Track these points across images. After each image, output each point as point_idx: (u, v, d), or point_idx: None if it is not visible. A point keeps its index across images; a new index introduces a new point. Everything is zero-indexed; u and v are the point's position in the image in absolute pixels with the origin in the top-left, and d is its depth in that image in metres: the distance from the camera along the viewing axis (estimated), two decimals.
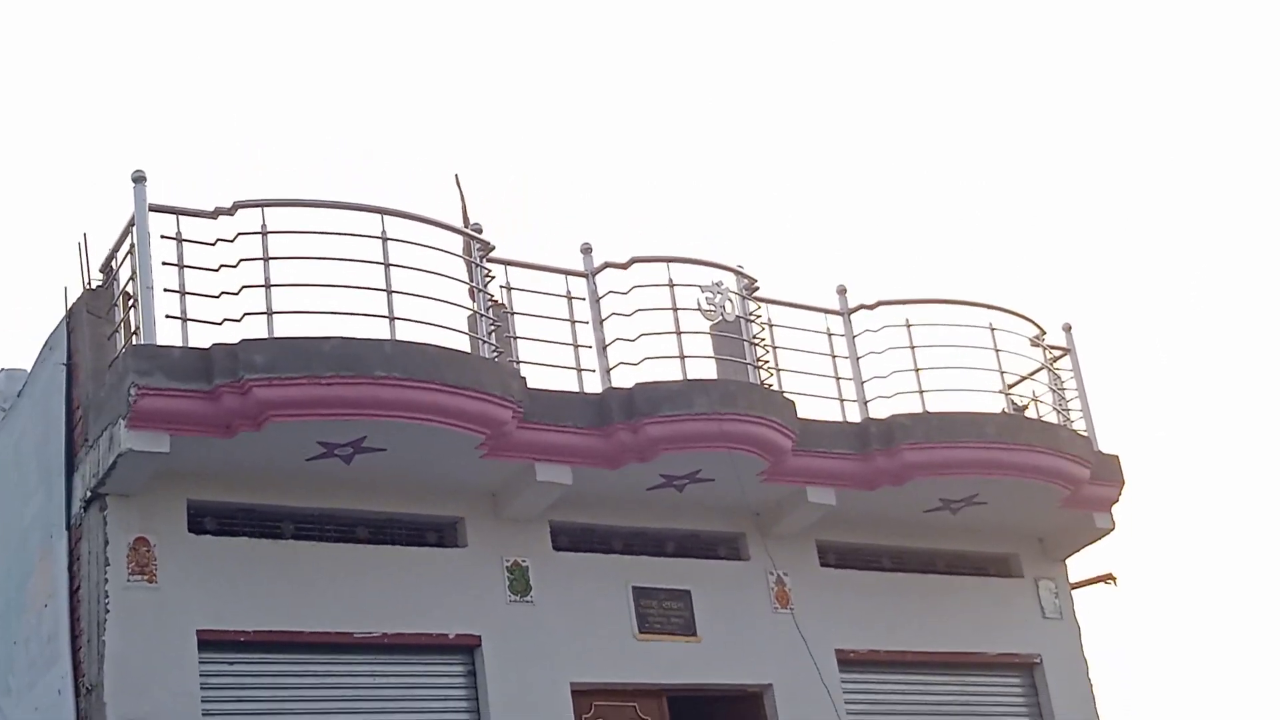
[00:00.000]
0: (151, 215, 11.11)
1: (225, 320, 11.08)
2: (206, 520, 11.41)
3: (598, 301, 12.73)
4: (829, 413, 13.50)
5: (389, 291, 11.43)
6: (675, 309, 12.84)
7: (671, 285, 12.88)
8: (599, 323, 12.68)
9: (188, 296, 11.10)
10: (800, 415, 13.03)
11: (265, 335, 11.02)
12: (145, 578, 10.97)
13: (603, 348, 12.62)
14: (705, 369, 12.99)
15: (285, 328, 11.11)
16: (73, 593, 11.27)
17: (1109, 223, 35.81)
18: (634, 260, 12.87)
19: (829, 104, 36.64)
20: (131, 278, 11.25)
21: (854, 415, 13.57)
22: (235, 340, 10.93)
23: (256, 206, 11.28)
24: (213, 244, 11.20)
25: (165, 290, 11.01)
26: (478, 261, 12.17)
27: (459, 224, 12.60)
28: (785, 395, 13.09)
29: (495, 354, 11.94)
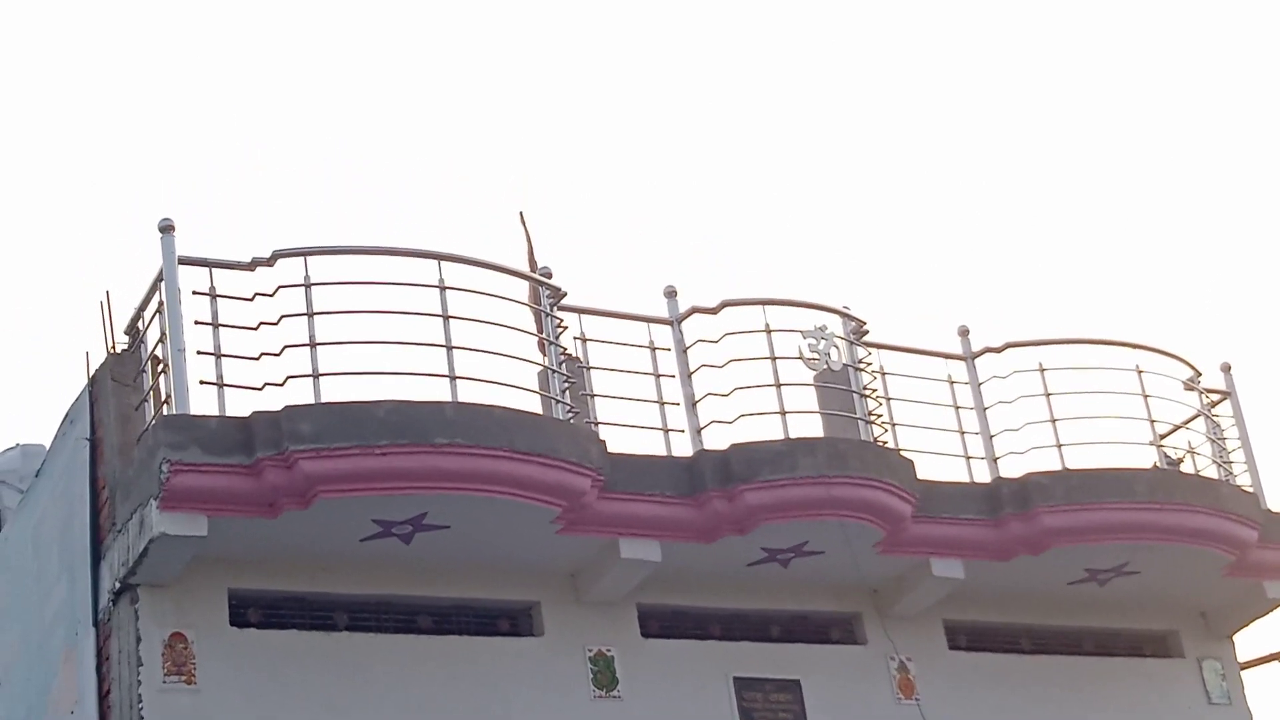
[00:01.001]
0: (181, 269, 11.22)
1: (266, 385, 11.17)
2: (250, 612, 11.48)
3: (685, 352, 12.78)
4: (954, 473, 13.50)
5: (449, 347, 11.50)
6: (774, 358, 12.86)
7: (769, 331, 12.92)
8: (687, 376, 12.72)
9: (224, 359, 11.19)
10: (920, 476, 13.03)
11: (311, 401, 11.11)
12: (183, 679, 11.03)
13: (692, 404, 12.66)
14: (810, 426, 12.99)
15: (333, 392, 11.20)
16: (102, 697, 11.36)
17: (1272, 249, 35.48)
18: (725, 304, 12.92)
19: (945, 123, 36.61)
20: (161, 340, 11.36)
21: (982, 475, 13.55)
22: (278, 407, 11.01)
23: (298, 255, 11.40)
24: (250, 299, 11.32)
25: (199, 353, 11.11)
26: (548, 310, 12.24)
27: (525, 268, 12.68)
28: (902, 454, 13.09)
29: (571, 415, 12.00)
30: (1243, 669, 15.17)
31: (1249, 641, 15.17)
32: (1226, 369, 15.06)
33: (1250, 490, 14.40)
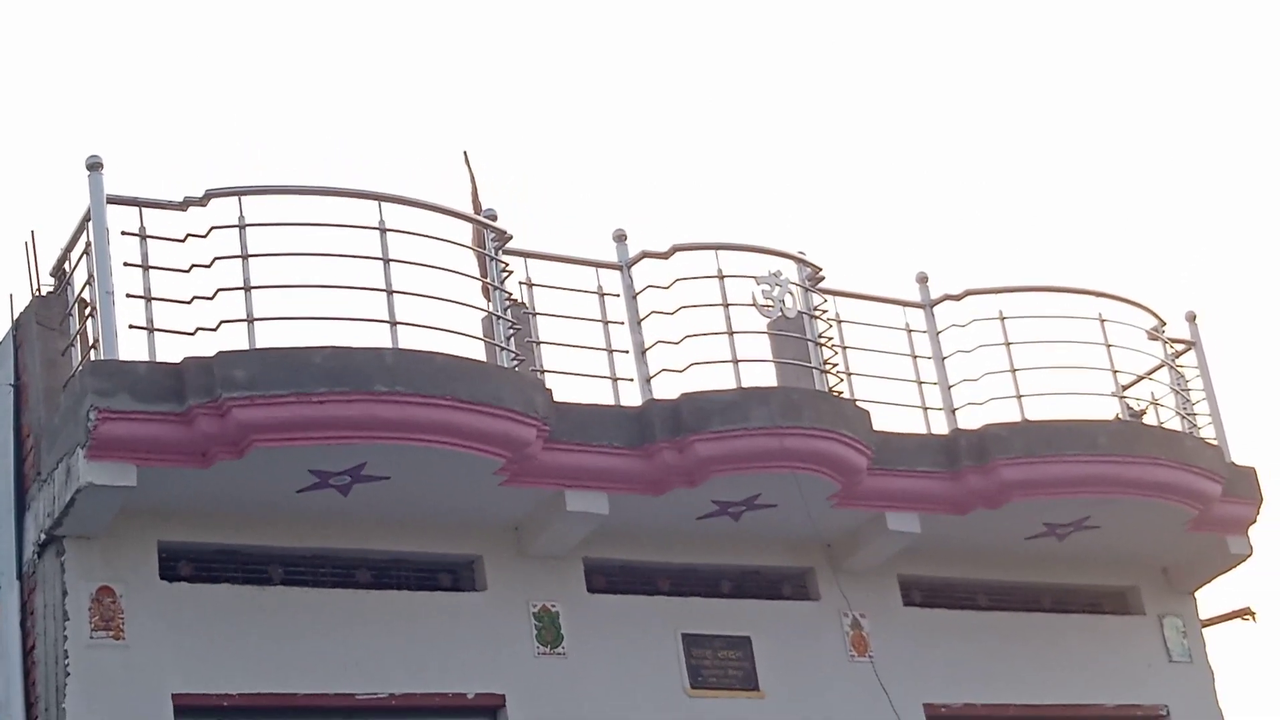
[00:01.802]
0: (110, 208, 11.15)
1: (199, 330, 11.14)
2: (181, 565, 11.47)
3: (634, 298, 12.79)
4: (911, 424, 13.56)
5: (389, 292, 11.49)
6: (726, 305, 12.88)
7: (721, 277, 12.93)
8: (636, 323, 12.73)
9: (154, 303, 11.15)
10: (876, 427, 13.06)
11: (246, 346, 11.07)
12: (111, 633, 11.02)
13: (641, 352, 12.67)
14: (763, 375, 13.05)
15: (269, 337, 11.18)
16: (27, 653, 11.36)
17: (1239, 194, 35.66)
18: (676, 248, 12.92)
19: (904, 62, 36.62)
20: (88, 282, 11.29)
21: (940, 426, 13.60)
22: (211, 353, 10.98)
23: (232, 195, 11.35)
24: (182, 240, 11.27)
25: (128, 296, 11.07)
26: (492, 254, 12.23)
27: (469, 210, 12.65)
28: (858, 404, 13.12)
29: (516, 362, 12.00)
30: (1204, 626, 15.30)
31: (1211, 598, 15.32)
32: (1192, 318, 15.14)
33: (1214, 443, 14.50)
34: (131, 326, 11.03)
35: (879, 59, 36.48)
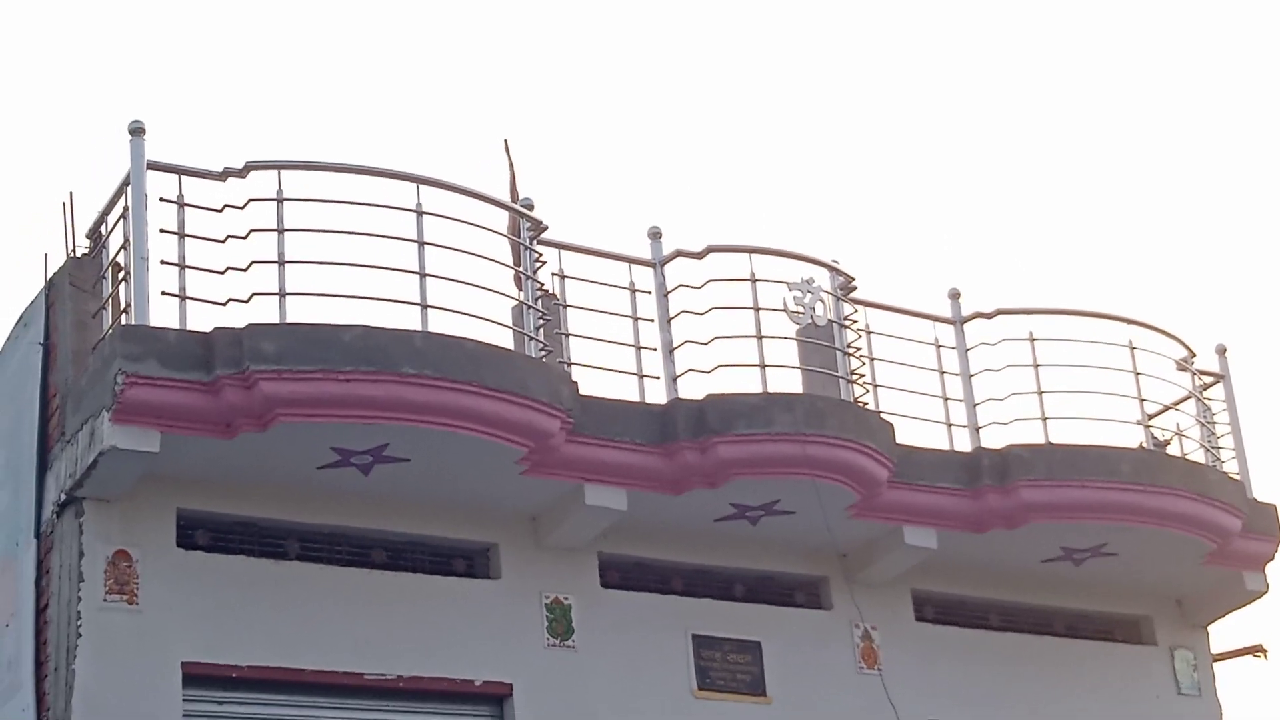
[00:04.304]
0: (150, 174, 11.21)
1: (230, 301, 11.18)
2: (198, 534, 11.51)
3: (666, 296, 12.79)
4: (934, 439, 13.55)
5: (422, 275, 11.51)
6: (757, 309, 12.89)
7: (754, 280, 12.94)
8: (666, 322, 12.73)
9: (188, 271, 11.18)
10: (899, 441, 13.07)
11: (276, 320, 11.12)
12: (125, 598, 11.06)
13: (669, 351, 12.68)
14: (790, 381, 13.06)
15: (300, 312, 11.22)
16: (40, 612, 11.39)
17: (1274, 234, 35.53)
18: (710, 249, 12.94)
19: (948, 75, 36.53)
20: (123, 246, 11.33)
21: (963, 443, 13.61)
22: (241, 325, 11.02)
23: (272, 169, 11.38)
24: (219, 210, 11.31)
25: (162, 263, 11.10)
26: (527, 243, 12.25)
27: (506, 198, 12.66)
28: (883, 416, 13.13)
29: (544, 353, 12.02)
30: (1215, 661, 15.25)
31: (1224, 633, 15.28)
32: (1222, 351, 15.11)
33: (1237, 478, 14.47)
34: (164, 293, 11.08)
35: (927, 75, 36.41)
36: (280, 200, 11.32)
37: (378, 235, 11.50)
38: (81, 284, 11.82)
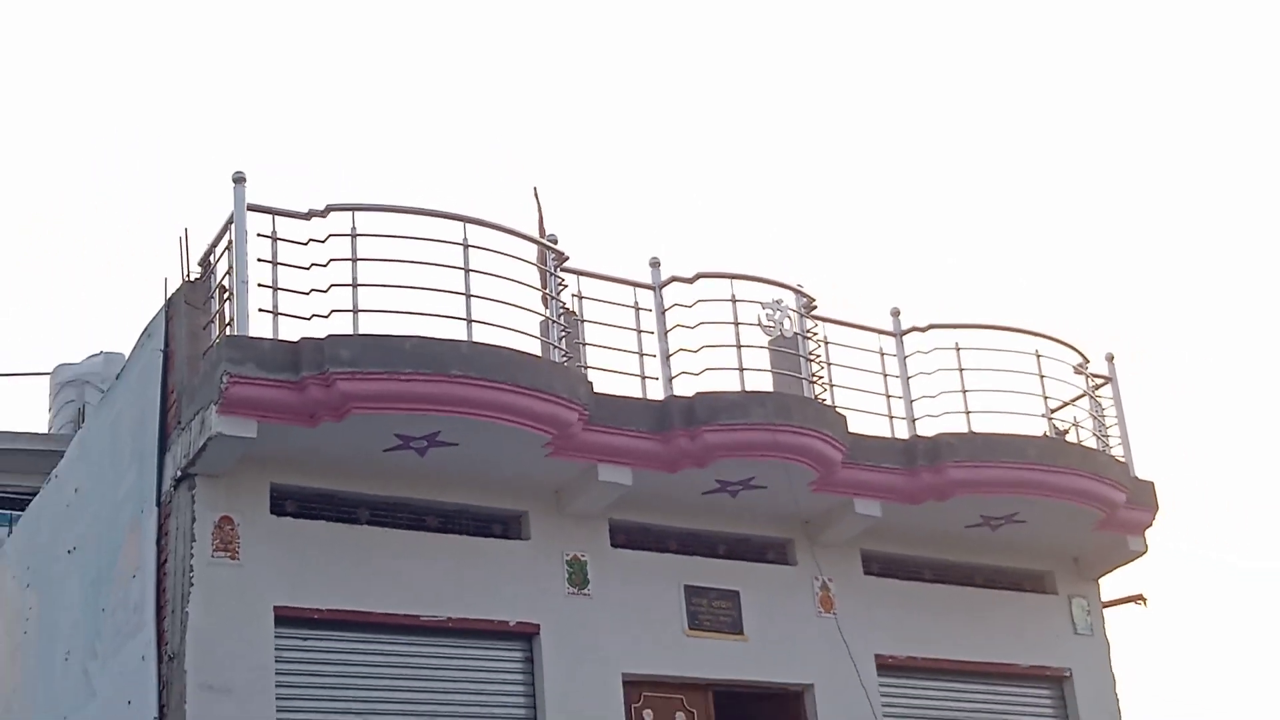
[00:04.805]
0: (249, 214, 11.23)
1: (313, 316, 11.17)
2: (287, 503, 11.50)
3: (663, 313, 12.76)
4: (878, 429, 13.47)
5: (467, 295, 11.50)
6: (736, 323, 12.86)
7: (734, 300, 12.90)
8: (663, 333, 12.71)
9: (279, 292, 11.19)
10: (851, 430, 13.02)
11: (350, 332, 11.10)
12: (228, 555, 11.08)
13: (666, 357, 12.65)
14: (762, 382, 12.95)
15: (369, 325, 11.20)
16: (159, 566, 11.39)
17: (1158, 257, 35.58)
18: (699, 275, 12.90)
19: (897, 140, 36.63)
20: (228, 272, 11.35)
21: (902, 432, 13.54)
22: (322, 335, 11.02)
23: (347, 210, 11.39)
24: (305, 243, 11.31)
25: (259, 285, 11.11)
26: (552, 270, 12.23)
27: (535, 234, 12.65)
28: (837, 410, 13.07)
29: (565, 359, 12.00)
30: (1105, 607, 15.21)
31: (1111, 585, 15.25)
32: (1110, 358, 15.07)
33: (1122, 460, 14.44)
34: (260, 310, 11.09)
35: (883, 135, 36.48)
36: (354, 235, 11.32)
37: (432, 263, 11.47)
38: (194, 303, 11.81)
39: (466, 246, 11.58)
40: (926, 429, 13.52)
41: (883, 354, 13.78)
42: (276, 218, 11.32)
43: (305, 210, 11.36)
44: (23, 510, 14.97)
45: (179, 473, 11.24)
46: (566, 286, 12.36)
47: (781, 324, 13.06)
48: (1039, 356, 14.07)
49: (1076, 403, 14.61)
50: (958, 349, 13.72)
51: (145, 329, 12.39)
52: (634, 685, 12.42)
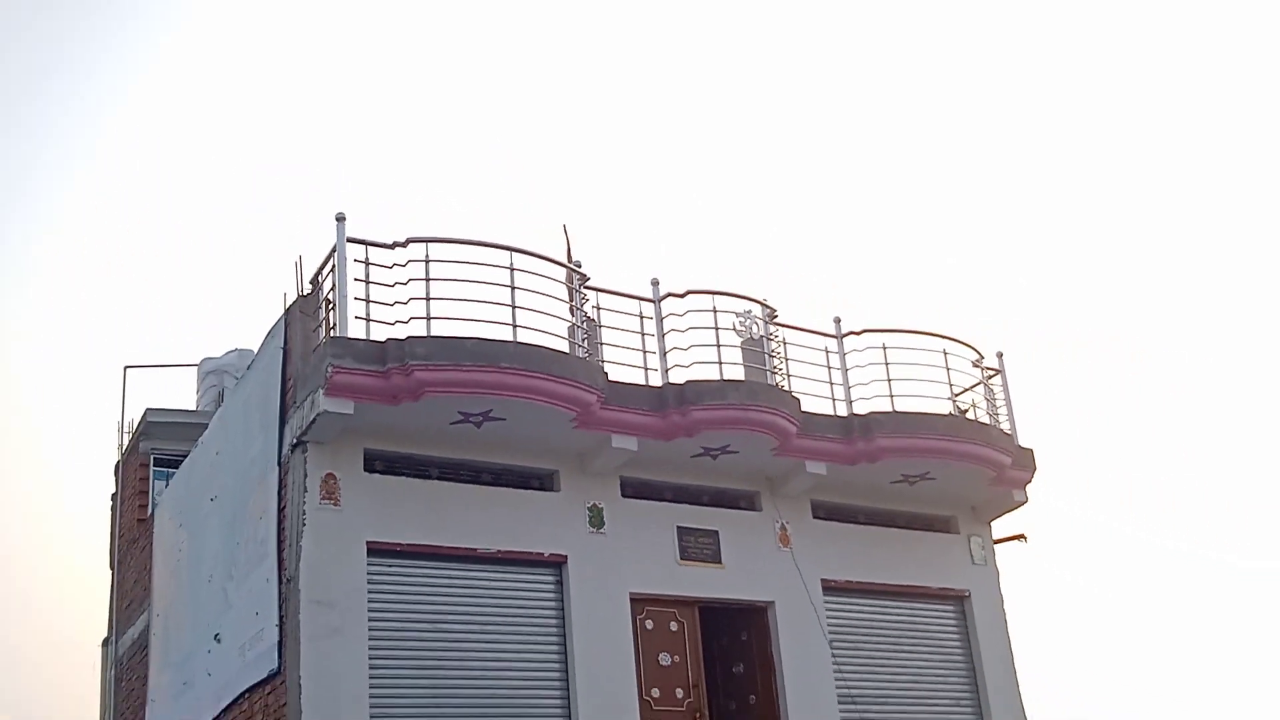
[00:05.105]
0: (349, 245, 11.26)
1: (396, 322, 11.20)
2: (376, 463, 11.53)
3: (661, 321, 12.78)
4: (824, 408, 13.47)
5: (513, 306, 11.53)
6: (716, 328, 12.89)
7: (714, 311, 12.92)
8: (661, 336, 12.73)
9: (371, 304, 11.22)
10: (803, 409, 13.05)
11: (424, 334, 11.13)
12: (331, 502, 11.12)
13: (663, 354, 12.66)
14: (736, 373, 12.98)
15: (438, 329, 11.22)
16: (280, 510, 11.45)
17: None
18: (689, 292, 12.93)
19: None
20: (332, 288, 11.40)
21: (842, 411, 13.55)
22: (403, 337, 11.05)
23: (422, 242, 11.42)
24: (389, 267, 11.35)
25: (355, 298, 11.14)
26: (576, 288, 12.24)
27: (564, 260, 12.68)
28: (793, 394, 13.09)
29: (586, 355, 12.02)
30: (995, 543, 15.23)
31: (1000, 526, 15.22)
32: (1000, 355, 15.08)
33: (1009, 433, 14.46)
34: (356, 317, 11.12)
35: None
36: (427, 261, 11.35)
37: (486, 282, 11.51)
38: (306, 311, 11.84)
39: (512, 270, 11.60)
40: (861, 409, 13.53)
41: (827, 352, 13.78)
42: (369, 248, 11.35)
43: (390, 241, 11.39)
44: (176, 469, 15.04)
45: (295, 440, 11.28)
46: (588, 300, 12.36)
47: (750, 329, 13.11)
48: (946, 354, 14.07)
49: (973, 389, 14.62)
50: (884, 348, 13.73)
51: (269, 331, 12.43)
52: (639, 602, 12.45)
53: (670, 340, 12.72)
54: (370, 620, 10.99)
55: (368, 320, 11.17)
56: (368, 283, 11.24)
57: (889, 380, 13.67)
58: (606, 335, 12.57)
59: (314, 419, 10.88)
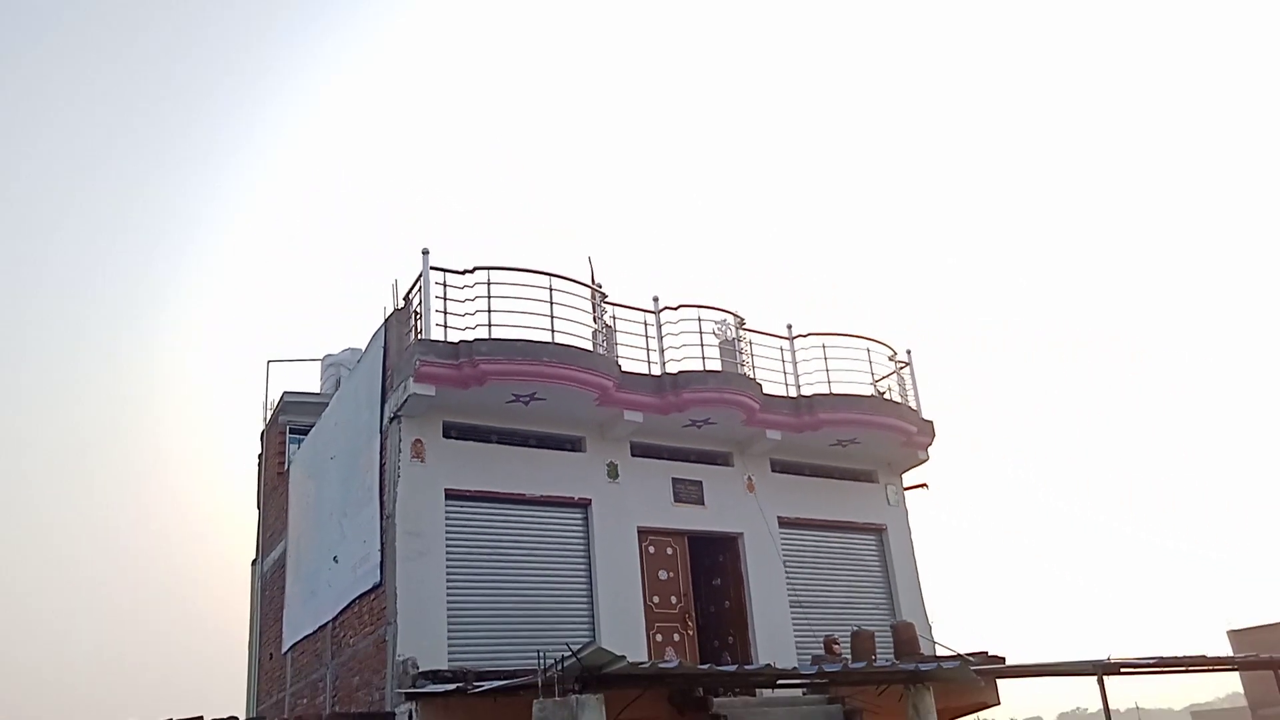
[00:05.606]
0: (431, 272, 11.26)
1: (466, 328, 11.21)
2: (452, 431, 11.53)
3: (660, 327, 12.75)
4: (779, 391, 13.42)
5: (551, 316, 11.54)
6: (701, 333, 12.86)
7: (699, 320, 12.91)
8: (660, 338, 12.69)
9: (448, 314, 11.22)
10: (765, 392, 13.01)
11: (487, 337, 11.13)
12: (419, 460, 11.14)
13: (662, 351, 12.64)
14: (715, 365, 12.95)
15: (498, 333, 11.24)
16: (381, 466, 11.46)
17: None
18: (682, 305, 12.90)
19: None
20: (419, 304, 11.38)
21: (793, 393, 13.50)
22: (471, 339, 11.06)
23: (486, 269, 11.42)
24: (461, 287, 11.36)
25: (436, 311, 11.17)
26: (598, 303, 12.24)
27: (589, 282, 12.67)
28: (756, 380, 13.05)
29: (605, 352, 12.00)
30: (905, 490, 15.16)
31: (909, 477, 15.15)
32: (909, 351, 15.02)
33: (915, 409, 14.39)
34: (437, 325, 11.14)
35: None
36: (489, 284, 11.34)
37: (533, 299, 11.50)
38: (400, 320, 11.83)
39: (551, 289, 11.61)
40: (807, 391, 13.48)
41: (782, 350, 13.74)
42: (447, 274, 11.34)
43: (461, 269, 11.39)
44: (305, 435, 15.04)
45: (392, 415, 11.29)
46: (606, 311, 12.35)
47: (726, 333, 13.07)
48: (869, 351, 14.03)
49: (889, 377, 14.57)
50: (824, 348, 13.70)
51: (374, 336, 12.42)
52: (643, 533, 12.42)
53: (667, 341, 12.70)
54: (447, 547, 11.04)
55: (445, 327, 11.21)
56: (445, 299, 11.27)
57: (828, 370, 13.64)
58: (620, 337, 12.56)
59: (406, 399, 10.90)
